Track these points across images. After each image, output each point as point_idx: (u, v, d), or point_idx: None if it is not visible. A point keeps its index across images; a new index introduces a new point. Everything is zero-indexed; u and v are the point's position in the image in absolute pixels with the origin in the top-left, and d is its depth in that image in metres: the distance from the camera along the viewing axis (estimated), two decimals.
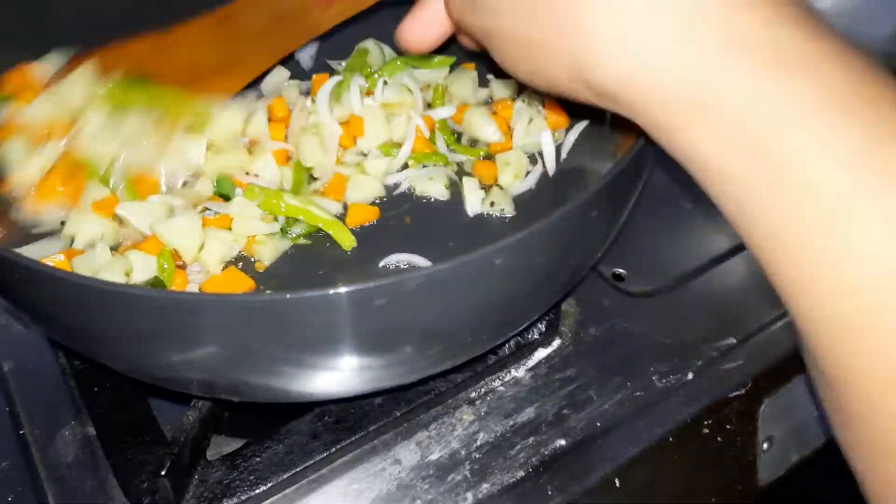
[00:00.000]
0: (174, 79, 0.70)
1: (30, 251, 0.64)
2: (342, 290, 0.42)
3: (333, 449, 0.60)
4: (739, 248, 0.76)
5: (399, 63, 0.79)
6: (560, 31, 0.41)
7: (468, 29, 0.50)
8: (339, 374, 0.50)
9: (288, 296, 0.42)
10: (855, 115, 0.36)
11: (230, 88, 0.71)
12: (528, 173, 0.74)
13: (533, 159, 0.76)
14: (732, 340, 0.69)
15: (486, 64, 0.81)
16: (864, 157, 0.36)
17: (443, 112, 0.77)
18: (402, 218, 0.72)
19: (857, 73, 0.37)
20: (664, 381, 0.66)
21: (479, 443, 0.62)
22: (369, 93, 0.77)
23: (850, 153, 0.36)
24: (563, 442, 0.62)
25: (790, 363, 0.69)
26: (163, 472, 0.54)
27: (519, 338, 0.66)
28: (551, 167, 0.74)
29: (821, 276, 0.37)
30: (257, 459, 0.59)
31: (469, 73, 0.80)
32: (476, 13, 0.47)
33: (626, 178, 0.51)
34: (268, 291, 0.63)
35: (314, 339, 0.45)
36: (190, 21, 0.71)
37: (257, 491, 0.57)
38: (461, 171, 0.75)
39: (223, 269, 0.65)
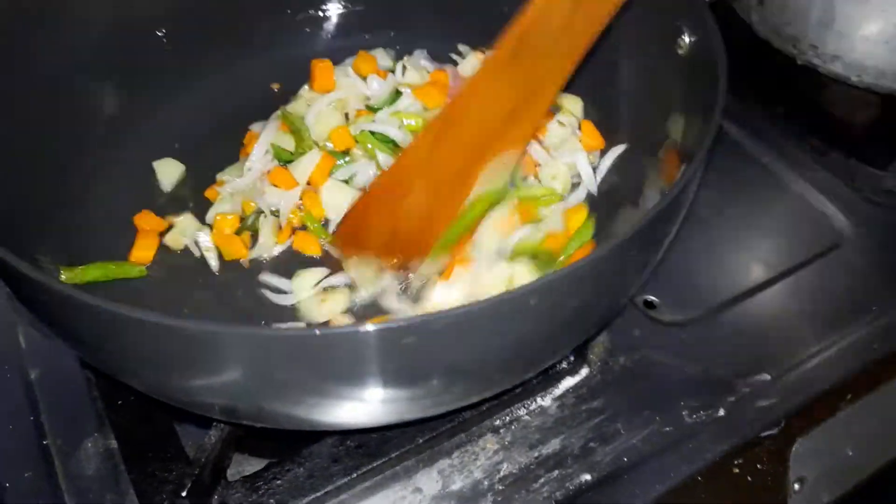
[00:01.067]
0: (461, 161, 0.59)
1: None
2: (370, 327, 0.41)
3: (354, 474, 0.59)
4: (776, 278, 0.74)
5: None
6: None
7: None
8: (363, 407, 0.49)
9: (317, 332, 0.41)
10: None
11: (525, 137, 0.60)
12: (573, 188, 0.73)
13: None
14: (766, 377, 0.67)
15: None
16: None
17: None
18: None
19: None
20: (694, 416, 0.64)
21: (502, 473, 0.61)
22: None
23: None
24: (588, 476, 0.61)
25: (825, 402, 0.67)
26: (183, 494, 0.54)
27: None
28: (592, 187, 0.73)
29: None
30: (278, 482, 0.58)
31: None
32: None
33: (666, 217, 0.49)
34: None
35: (341, 375, 0.45)
36: (475, 75, 0.58)
37: None
38: None
39: None
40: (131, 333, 0.44)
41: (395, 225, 0.63)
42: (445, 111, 0.63)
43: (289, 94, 0.84)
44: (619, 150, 0.73)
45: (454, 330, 0.42)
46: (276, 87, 0.85)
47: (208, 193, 0.76)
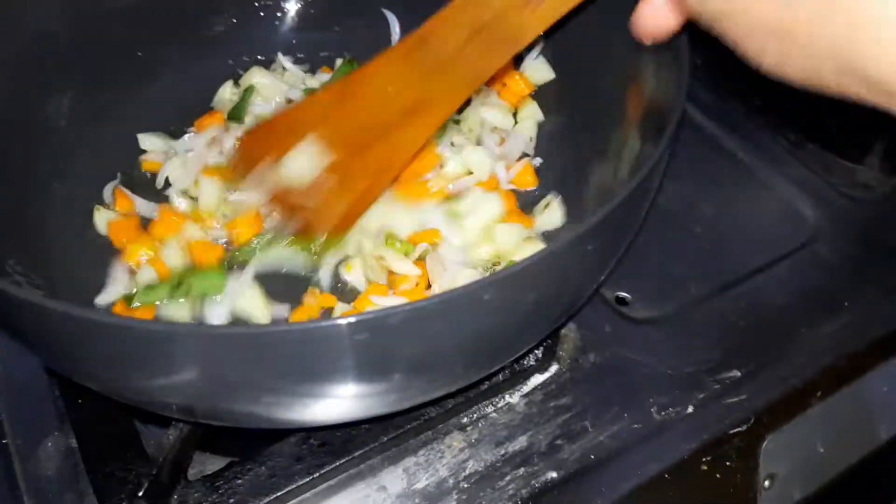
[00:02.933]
0: (359, 136, 0.62)
1: None
2: (322, 323, 0.40)
3: (317, 473, 0.58)
4: (748, 275, 0.74)
5: None
6: (825, 15, 0.35)
7: (698, 12, 0.44)
8: (320, 404, 0.48)
9: (268, 329, 0.41)
10: None
11: (418, 137, 0.63)
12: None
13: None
14: (737, 373, 0.66)
15: None
16: None
17: None
18: None
19: None
20: (663, 413, 0.64)
21: (468, 472, 0.60)
22: None
23: None
24: (554, 474, 0.60)
25: (795, 399, 0.66)
26: (140, 494, 0.53)
27: (514, 363, 0.64)
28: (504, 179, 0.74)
29: None
30: (238, 482, 0.57)
31: None
32: None
33: (626, 210, 0.48)
34: None
35: (293, 372, 0.44)
36: (376, 57, 0.62)
37: None
38: None
39: None
40: (79, 333, 0.43)
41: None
42: (344, 79, 0.67)
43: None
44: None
45: (408, 325, 0.42)
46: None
47: None
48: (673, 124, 0.49)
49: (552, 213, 0.72)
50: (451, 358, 0.48)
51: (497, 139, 0.78)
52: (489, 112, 0.78)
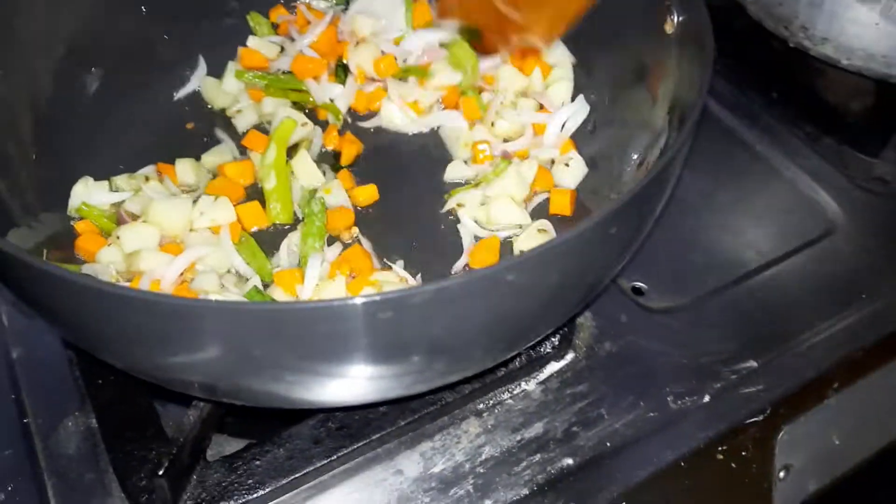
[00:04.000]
0: None
1: None
2: (348, 301, 0.41)
3: (335, 456, 0.58)
4: (766, 266, 0.74)
5: None
6: None
7: None
8: (342, 384, 0.48)
9: (297, 305, 0.41)
10: None
11: None
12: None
13: None
14: (753, 364, 0.66)
15: None
16: None
17: None
18: None
19: None
20: (679, 402, 0.64)
21: (484, 457, 0.61)
22: None
23: None
24: (570, 461, 0.60)
25: (812, 390, 0.66)
26: (160, 473, 0.54)
27: (531, 350, 0.64)
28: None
29: None
30: (257, 463, 0.58)
31: None
32: None
33: (649, 195, 0.48)
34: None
35: (318, 349, 0.44)
36: None
37: (255, 495, 0.56)
38: None
39: None
40: (107, 308, 0.44)
41: None
42: None
43: None
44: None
45: (432, 305, 0.42)
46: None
47: None
48: (697, 111, 0.49)
49: (574, 167, 0.74)
50: (472, 340, 0.48)
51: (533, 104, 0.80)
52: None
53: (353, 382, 0.48)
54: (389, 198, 0.75)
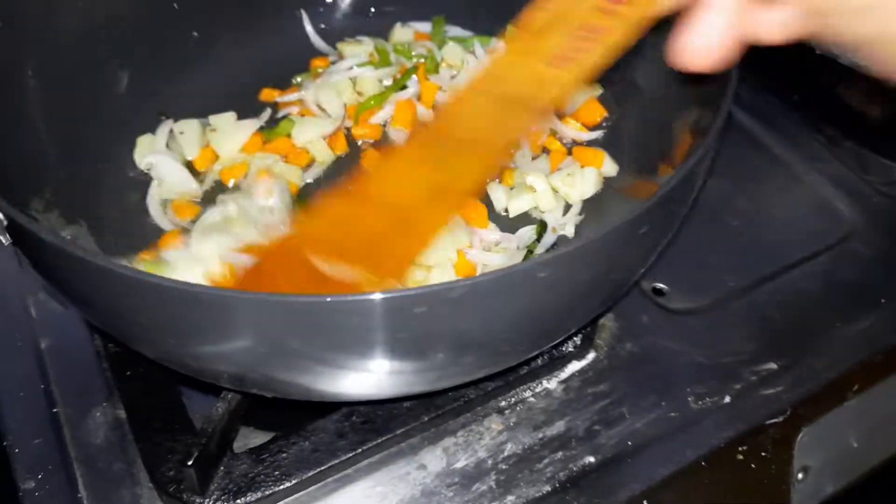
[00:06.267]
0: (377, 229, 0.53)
1: None
2: (381, 295, 0.41)
3: (359, 449, 0.59)
4: (786, 269, 0.74)
5: None
6: None
7: (831, 35, 0.41)
8: (371, 377, 0.49)
9: (328, 299, 0.42)
10: None
11: (439, 221, 0.54)
12: None
13: None
14: (773, 366, 0.67)
15: None
16: None
17: None
18: None
19: None
20: (700, 402, 0.65)
21: (506, 453, 0.61)
22: None
23: None
24: (592, 459, 0.61)
25: (831, 392, 0.67)
26: (189, 463, 0.54)
27: (553, 349, 0.65)
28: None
29: None
30: (283, 455, 0.58)
31: None
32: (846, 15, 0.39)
33: (678, 194, 0.49)
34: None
35: (350, 342, 0.45)
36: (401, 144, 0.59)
37: (282, 487, 0.57)
38: None
39: None
40: (141, 297, 0.44)
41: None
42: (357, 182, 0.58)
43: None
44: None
45: (465, 300, 0.42)
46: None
47: None
48: (723, 115, 0.49)
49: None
50: (500, 336, 0.49)
51: None
52: None
53: (380, 376, 0.49)
54: None
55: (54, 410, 0.63)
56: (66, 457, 0.61)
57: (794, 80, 0.91)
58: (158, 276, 0.42)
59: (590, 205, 0.75)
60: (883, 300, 0.72)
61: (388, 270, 0.51)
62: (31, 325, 0.69)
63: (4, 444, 0.61)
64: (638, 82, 0.76)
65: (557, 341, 0.61)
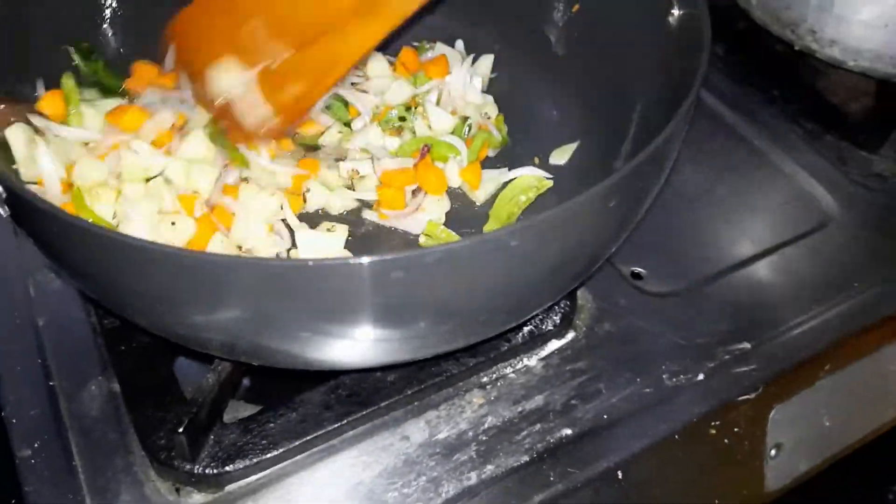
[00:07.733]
0: (302, 30, 0.55)
1: None
2: (362, 260, 0.44)
3: (345, 421, 0.61)
4: (762, 254, 0.76)
5: None
6: None
7: None
8: (354, 344, 0.51)
9: (310, 263, 0.44)
10: None
11: (365, 40, 0.56)
12: None
13: None
14: (746, 345, 0.69)
15: None
16: None
17: None
18: None
19: None
20: (674, 379, 0.67)
21: (486, 426, 0.63)
22: None
23: None
24: (569, 431, 0.63)
25: (803, 372, 0.69)
26: (180, 430, 0.57)
27: (533, 328, 0.67)
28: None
29: None
30: (271, 425, 0.61)
31: None
32: None
33: (648, 169, 0.51)
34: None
35: (332, 307, 0.47)
36: None
37: (269, 455, 0.59)
38: None
39: None
40: (130, 262, 0.47)
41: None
42: None
43: None
44: None
45: (441, 266, 0.45)
46: None
47: None
48: (693, 94, 0.52)
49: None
50: (476, 304, 0.51)
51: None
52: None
53: (362, 343, 0.51)
54: None
55: (51, 384, 0.66)
56: (62, 427, 0.63)
57: (774, 75, 0.94)
58: (146, 240, 0.45)
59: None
60: (856, 284, 0.74)
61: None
62: (29, 303, 0.71)
63: (2, 414, 0.63)
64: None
65: (534, 313, 0.63)
